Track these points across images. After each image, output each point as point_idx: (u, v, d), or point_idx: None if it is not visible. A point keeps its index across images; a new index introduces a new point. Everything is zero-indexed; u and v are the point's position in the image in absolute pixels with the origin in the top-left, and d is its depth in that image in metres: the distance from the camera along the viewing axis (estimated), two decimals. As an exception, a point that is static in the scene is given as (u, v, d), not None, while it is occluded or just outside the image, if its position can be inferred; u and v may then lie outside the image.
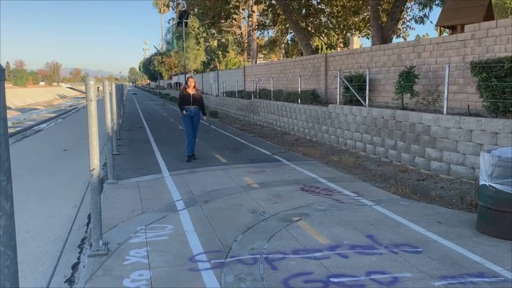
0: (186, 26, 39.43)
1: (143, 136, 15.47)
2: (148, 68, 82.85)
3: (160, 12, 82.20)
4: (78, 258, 4.65)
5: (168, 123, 21.16)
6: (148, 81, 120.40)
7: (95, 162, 4.45)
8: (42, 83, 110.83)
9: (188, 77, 10.25)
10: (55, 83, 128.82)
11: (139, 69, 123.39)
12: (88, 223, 5.71)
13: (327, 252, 4.50)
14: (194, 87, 9.89)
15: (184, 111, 9.81)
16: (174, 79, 63.36)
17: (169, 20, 62.23)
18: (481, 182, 5.07)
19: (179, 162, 10.03)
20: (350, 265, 4.16)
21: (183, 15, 36.31)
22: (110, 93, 9.48)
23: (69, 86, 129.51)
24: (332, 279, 3.86)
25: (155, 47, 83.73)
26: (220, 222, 5.55)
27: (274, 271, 4.06)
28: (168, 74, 71.77)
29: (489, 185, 4.91)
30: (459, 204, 6.42)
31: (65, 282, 4.12)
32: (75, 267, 4.42)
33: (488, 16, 12.04)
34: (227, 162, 9.98)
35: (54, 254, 4.84)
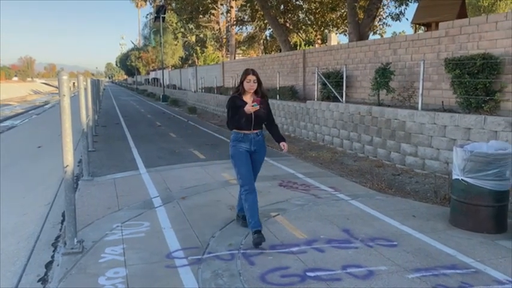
0: (163, 20, 38.95)
1: (120, 132, 15.25)
2: (126, 63, 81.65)
3: (137, 6, 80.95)
4: (52, 256, 4.55)
5: (146, 119, 20.93)
6: (125, 76, 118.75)
7: (69, 158, 4.36)
8: (15, 78, 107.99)
9: (245, 71, 4.77)
10: (29, 79, 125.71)
11: (116, 65, 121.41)
12: (62, 221, 5.60)
13: (304, 247, 4.53)
14: (257, 91, 4.80)
15: (236, 140, 4.81)
16: (152, 74, 62.67)
17: (147, 14, 61.44)
18: (454, 176, 5.18)
19: (156, 158, 9.93)
20: (326, 259, 4.21)
21: (160, 10, 35.83)
22: (85, 89, 9.30)
23: (44, 81, 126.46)
24: (309, 274, 3.89)
25: (132, 42, 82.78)
26: (198, 218, 5.52)
27: (251, 266, 4.07)
28: (146, 69, 70.94)
29: (462, 179, 5.02)
30: (433, 198, 6.56)
31: (38, 281, 4.03)
32: (48, 266, 4.32)
33: (462, 14, 12.30)
34: (205, 159, 9.93)
35: (27, 253, 4.73)
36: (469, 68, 7.89)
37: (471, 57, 7.98)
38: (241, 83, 4.74)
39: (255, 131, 4.79)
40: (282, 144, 5.10)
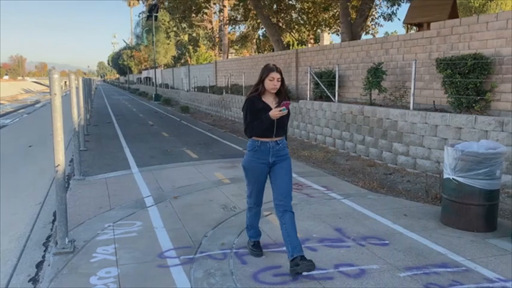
0: (156, 19, 38.82)
1: (112, 132, 15.19)
2: (118, 62, 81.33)
3: (129, 5, 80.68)
4: (43, 256, 4.53)
5: (138, 118, 20.86)
6: (117, 75, 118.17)
7: (60, 158, 4.33)
8: (6, 77, 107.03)
9: (268, 68, 3.96)
10: (20, 77, 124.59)
11: (108, 64, 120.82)
12: (53, 221, 5.57)
13: (297, 246, 4.52)
14: (279, 92, 4.02)
15: (252, 150, 4.11)
16: (144, 73, 62.43)
17: (140, 13, 61.18)
18: (445, 176, 5.23)
19: (148, 158, 9.90)
20: (319, 258, 4.21)
21: (153, 9, 35.68)
22: (77, 88, 9.25)
23: (35, 80, 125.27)
24: (301, 273, 3.89)
25: (124, 41, 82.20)
26: (190, 218, 5.51)
27: (243, 266, 4.07)
28: (138, 68, 70.69)
29: (452, 178, 5.06)
30: (424, 197, 6.60)
31: (29, 281, 4.00)
32: (39, 266, 4.30)
33: (453, 14, 12.38)
34: (198, 158, 9.92)
35: (18, 253, 4.69)
36: (460, 68, 7.95)
37: (462, 57, 8.04)
38: (262, 81, 3.94)
39: (276, 139, 4.02)
40: None
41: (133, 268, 4.03)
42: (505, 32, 7.70)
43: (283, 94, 4.04)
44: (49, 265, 4.16)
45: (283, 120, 3.96)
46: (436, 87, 9.15)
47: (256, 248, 4.34)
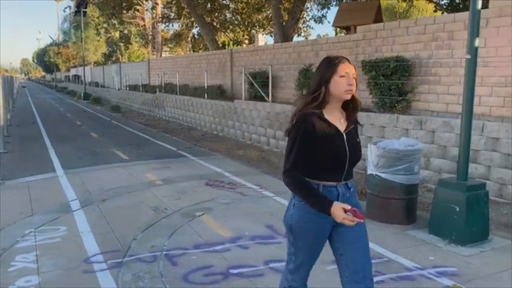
0: (84, 15, 37.08)
1: (36, 132, 14.31)
2: (43, 59, 76.66)
3: (56, -1, 76.41)
4: (-47, 268, 4.16)
5: (65, 118, 19.85)
6: (43, 73, 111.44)
7: (-28, 160, 4.01)
8: None
9: (333, 60, 2.27)
10: None
11: (33, 61, 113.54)
12: (-34, 229, 5.14)
13: (228, 245, 4.55)
14: (354, 102, 2.31)
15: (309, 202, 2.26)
16: (72, 71, 59.48)
17: (65, 8, 58.04)
18: (369, 172, 5.50)
19: (75, 159, 9.45)
20: (250, 255, 4.27)
21: (81, 4, 34.03)
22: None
23: None
24: (232, 271, 3.92)
25: (50, 37, 77.81)
26: (119, 221, 5.33)
27: (174, 267, 4.01)
28: (66, 66, 67.25)
29: (375, 174, 5.34)
30: (352, 193, 6.88)
31: None
32: (-52, 278, 3.95)
33: (378, 19, 13.01)
34: (129, 159, 9.63)
35: None
36: (384, 70, 8.39)
37: (385, 59, 8.48)
38: (325, 82, 2.27)
39: (346, 181, 2.36)
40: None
41: (56, 275, 3.83)
42: (423, 37, 8.24)
43: (355, 106, 2.37)
44: (-40, 277, 3.84)
45: (358, 149, 2.36)
46: (362, 88, 9.55)
47: None
